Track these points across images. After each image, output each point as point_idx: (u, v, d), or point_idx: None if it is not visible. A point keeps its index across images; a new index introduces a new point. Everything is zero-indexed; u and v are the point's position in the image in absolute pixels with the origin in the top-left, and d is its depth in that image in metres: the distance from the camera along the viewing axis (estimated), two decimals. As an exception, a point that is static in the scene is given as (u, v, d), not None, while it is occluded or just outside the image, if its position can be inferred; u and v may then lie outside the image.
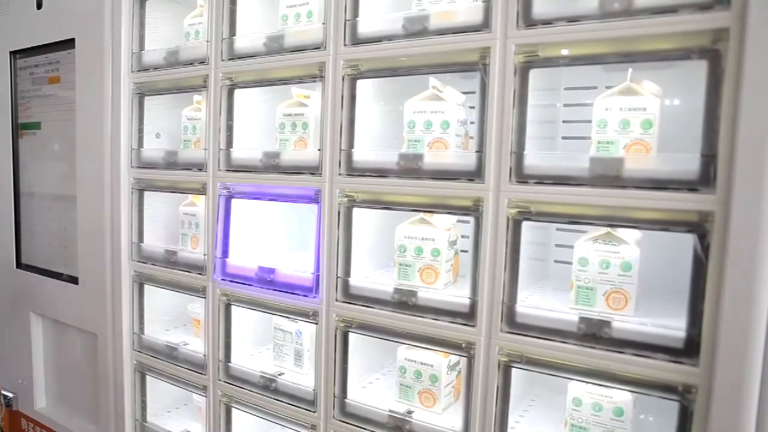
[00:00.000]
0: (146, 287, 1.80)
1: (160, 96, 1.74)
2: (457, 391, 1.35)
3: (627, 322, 1.01)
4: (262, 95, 1.60)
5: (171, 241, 1.83)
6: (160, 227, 1.83)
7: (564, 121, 1.39)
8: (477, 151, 1.13)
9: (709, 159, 0.91)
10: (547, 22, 1.04)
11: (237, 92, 1.53)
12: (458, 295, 1.18)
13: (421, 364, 1.31)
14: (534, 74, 1.08)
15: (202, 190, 1.59)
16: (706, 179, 0.91)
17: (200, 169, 1.58)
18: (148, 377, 1.81)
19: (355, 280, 1.32)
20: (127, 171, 1.75)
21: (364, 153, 1.30)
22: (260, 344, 1.72)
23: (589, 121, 1.07)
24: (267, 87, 1.47)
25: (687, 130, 1.00)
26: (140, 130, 1.76)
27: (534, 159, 1.07)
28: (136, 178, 1.75)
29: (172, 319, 1.92)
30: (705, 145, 0.91)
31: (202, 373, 1.64)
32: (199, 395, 1.67)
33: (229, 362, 1.58)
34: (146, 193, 1.77)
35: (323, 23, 1.32)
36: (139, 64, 1.71)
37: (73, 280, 1.90)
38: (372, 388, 1.45)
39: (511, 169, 1.09)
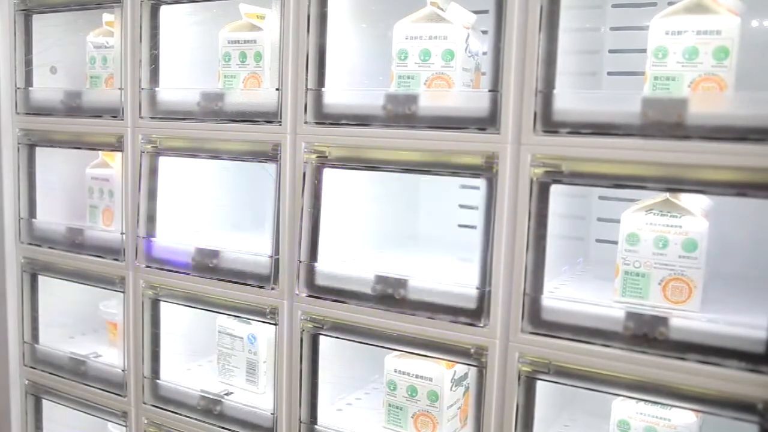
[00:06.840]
0: (41, 279, 1.81)
1: (55, 13, 1.72)
2: (464, 414, 1.40)
3: (690, 318, 1.04)
4: (197, 14, 1.60)
5: (75, 215, 1.83)
6: (60, 197, 1.84)
7: (611, 51, 1.41)
8: (491, 91, 1.14)
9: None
10: None
11: (163, 9, 1.52)
12: (464, 284, 1.21)
13: (417, 377, 1.35)
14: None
15: (117, 146, 1.59)
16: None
17: (114, 117, 1.58)
18: (44, 402, 1.83)
19: (325, 265, 1.35)
20: (10, 119, 1.75)
21: (339, 94, 1.31)
22: (200, 355, 1.75)
23: (644, 51, 1.09)
24: (205, 1, 1.47)
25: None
26: (28, 62, 1.75)
27: (567, 101, 1.09)
28: (24, 129, 1.75)
29: (79, 322, 1.93)
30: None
31: (120, 395, 1.66)
32: (116, 424, 1.70)
33: (158, 379, 1.61)
34: (39, 150, 1.77)
35: None
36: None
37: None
38: (351, 410, 1.49)
39: (536, 114, 1.10)
